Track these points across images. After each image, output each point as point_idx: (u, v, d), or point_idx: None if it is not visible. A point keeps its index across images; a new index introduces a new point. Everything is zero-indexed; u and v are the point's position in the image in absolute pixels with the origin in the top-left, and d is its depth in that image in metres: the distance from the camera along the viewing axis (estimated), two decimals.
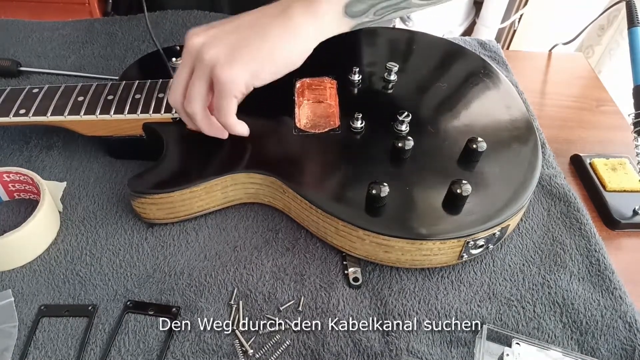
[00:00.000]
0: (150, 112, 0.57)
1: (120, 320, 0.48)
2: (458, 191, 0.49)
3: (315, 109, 0.62)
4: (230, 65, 0.47)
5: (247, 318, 0.48)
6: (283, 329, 0.48)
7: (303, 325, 0.48)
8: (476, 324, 0.49)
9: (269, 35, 0.47)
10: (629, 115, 0.60)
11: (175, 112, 0.56)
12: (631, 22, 0.63)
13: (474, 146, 0.53)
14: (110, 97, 0.58)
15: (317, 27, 0.49)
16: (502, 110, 0.60)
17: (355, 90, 0.63)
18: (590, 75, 0.82)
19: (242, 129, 0.54)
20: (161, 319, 0.48)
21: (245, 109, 0.56)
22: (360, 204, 0.50)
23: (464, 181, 0.49)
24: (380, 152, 0.55)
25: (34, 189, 0.56)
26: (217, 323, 0.48)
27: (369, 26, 0.53)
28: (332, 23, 0.50)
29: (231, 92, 0.48)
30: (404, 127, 0.56)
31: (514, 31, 1.82)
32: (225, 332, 0.47)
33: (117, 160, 0.62)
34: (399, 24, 1.82)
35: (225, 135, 0.55)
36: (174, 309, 0.49)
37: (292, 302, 0.50)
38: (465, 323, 0.49)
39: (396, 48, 0.70)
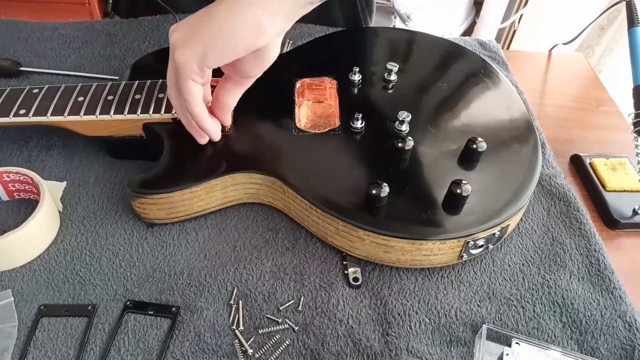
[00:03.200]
0: (150, 112, 0.57)
1: (120, 320, 0.48)
2: (458, 191, 0.49)
3: (315, 109, 0.62)
4: (181, 47, 0.47)
5: (247, 318, 0.49)
6: (283, 328, 0.48)
7: (303, 325, 0.48)
8: (476, 324, 0.49)
9: (216, 14, 0.46)
10: (629, 115, 0.60)
11: (175, 112, 0.56)
12: (631, 22, 0.63)
13: (474, 146, 0.53)
14: (110, 98, 0.58)
15: (265, 1, 0.45)
16: (502, 111, 0.60)
17: (356, 90, 0.63)
18: (590, 75, 0.82)
19: (211, 126, 0.53)
20: (161, 318, 0.48)
21: (245, 109, 0.56)
22: (360, 204, 0.50)
23: (464, 181, 0.49)
24: (381, 152, 0.55)
25: (33, 189, 0.56)
26: (217, 323, 0.48)
27: None
28: None
29: (185, 74, 0.47)
30: (404, 127, 0.56)
31: (514, 31, 1.82)
32: (225, 332, 0.47)
33: (117, 160, 0.62)
34: (399, 24, 1.82)
35: (202, 139, 0.54)
36: (173, 309, 0.49)
37: (292, 302, 0.50)
38: (465, 323, 0.49)
39: (396, 48, 0.70)
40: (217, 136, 0.55)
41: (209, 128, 0.53)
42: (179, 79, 0.48)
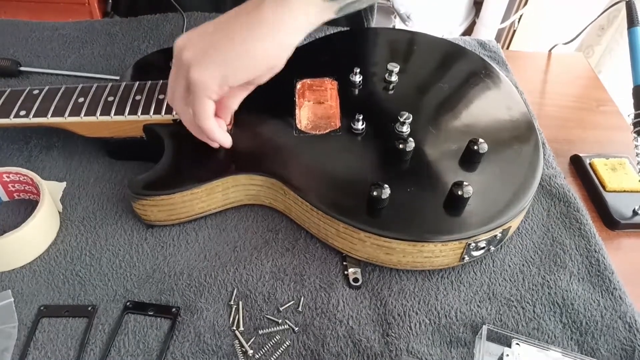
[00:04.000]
0: (151, 113, 0.57)
1: (120, 320, 0.48)
2: (459, 193, 0.49)
3: (316, 110, 0.62)
4: (200, 67, 0.46)
5: (247, 318, 0.49)
6: (283, 329, 0.48)
7: (303, 325, 0.48)
8: (476, 325, 0.49)
9: (239, 34, 0.46)
10: (628, 115, 0.60)
11: (176, 114, 0.56)
12: (631, 22, 0.63)
13: (475, 147, 0.53)
14: (110, 99, 0.58)
15: (291, 17, 0.46)
16: (503, 111, 0.60)
17: (356, 91, 0.63)
18: (590, 75, 0.82)
19: (222, 137, 0.53)
20: (161, 319, 0.48)
21: (246, 110, 0.56)
22: (361, 205, 0.50)
23: (465, 183, 0.49)
24: (382, 154, 0.55)
25: (33, 189, 0.56)
26: (217, 324, 0.48)
27: (356, 9, 0.48)
28: (310, 9, 0.46)
29: (203, 93, 0.47)
30: (405, 129, 0.56)
31: (514, 31, 1.82)
32: (225, 333, 0.47)
33: (117, 160, 0.62)
34: (399, 25, 1.82)
35: (213, 144, 0.54)
36: (173, 309, 0.49)
37: (292, 302, 0.50)
38: (465, 323, 0.49)
39: (397, 49, 0.70)
40: (228, 144, 0.55)
41: (221, 139, 0.53)
42: (194, 96, 0.48)
